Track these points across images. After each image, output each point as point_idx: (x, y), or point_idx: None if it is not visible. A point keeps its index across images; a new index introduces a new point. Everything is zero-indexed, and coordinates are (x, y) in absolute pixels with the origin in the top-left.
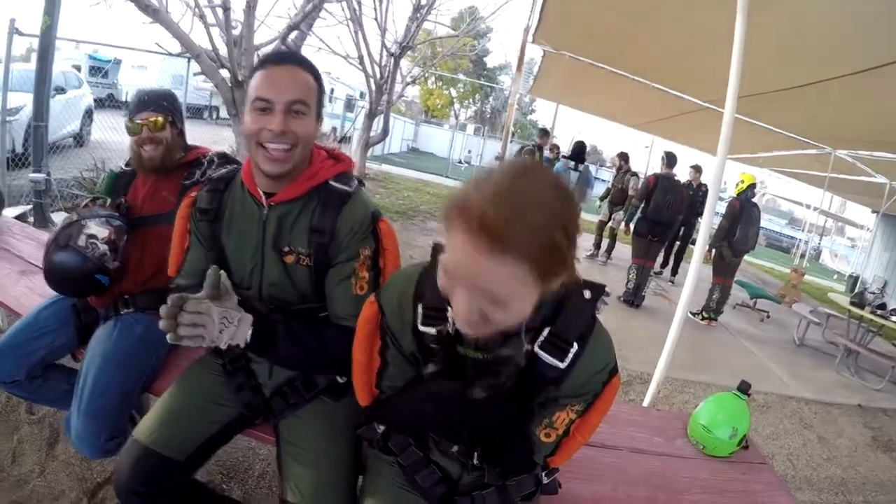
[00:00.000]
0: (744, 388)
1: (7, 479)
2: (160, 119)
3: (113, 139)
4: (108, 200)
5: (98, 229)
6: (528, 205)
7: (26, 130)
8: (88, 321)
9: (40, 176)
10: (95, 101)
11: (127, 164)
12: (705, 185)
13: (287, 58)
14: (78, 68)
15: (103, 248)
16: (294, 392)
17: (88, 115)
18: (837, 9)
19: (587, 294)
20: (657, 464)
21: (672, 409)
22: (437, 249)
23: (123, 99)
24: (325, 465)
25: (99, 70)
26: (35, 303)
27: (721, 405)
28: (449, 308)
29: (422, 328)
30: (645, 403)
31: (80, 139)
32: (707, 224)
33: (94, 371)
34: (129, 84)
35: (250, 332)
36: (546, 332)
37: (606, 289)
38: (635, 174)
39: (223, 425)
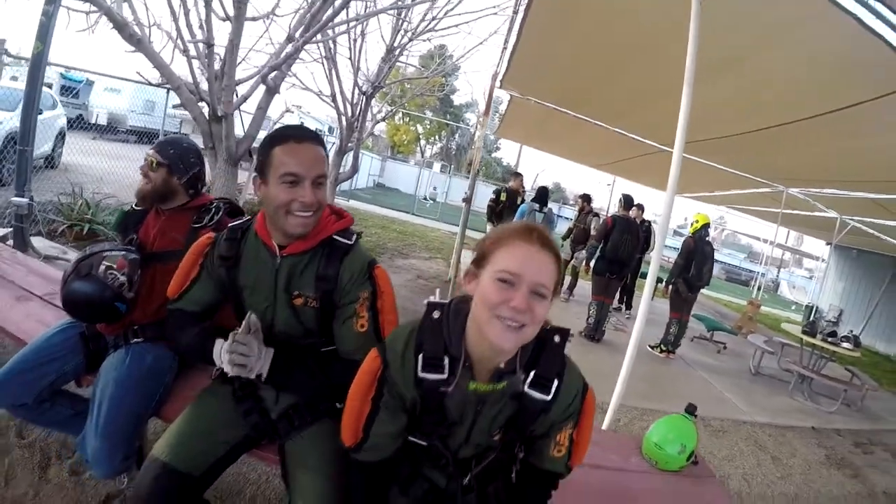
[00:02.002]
0: (690, 410)
1: (2, 501)
2: (154, 161)
3: (84, 162)
4: (85, 227)
5: (115, 261)
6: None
7: (2, 147)
8: (97, 348)
9: (23, 200)
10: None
11: (136, 204)
12: (648, 222)
13: (306, 135)
14: (49, 86)
15: (122, 278)
16: (298, 415)
17: (61, 136)
18: (778, 70)
19: (557, 338)
20: (614, 477)
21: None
22: (431, 307)
23: (94, 121)
24: (329, 476)
25: (70, 90)
26: (32, 328)
27: (671, 425)
28: (446, 357)
29: (422, 374)
30: (603, 427)
31: (51, 161)
32: (656, 260)
33: (108, 396)
34: (101, 106)
35: (268, 365)
36: (532, 374)
37: (571, 331)
38: (596, 215)
39: (232, 445)
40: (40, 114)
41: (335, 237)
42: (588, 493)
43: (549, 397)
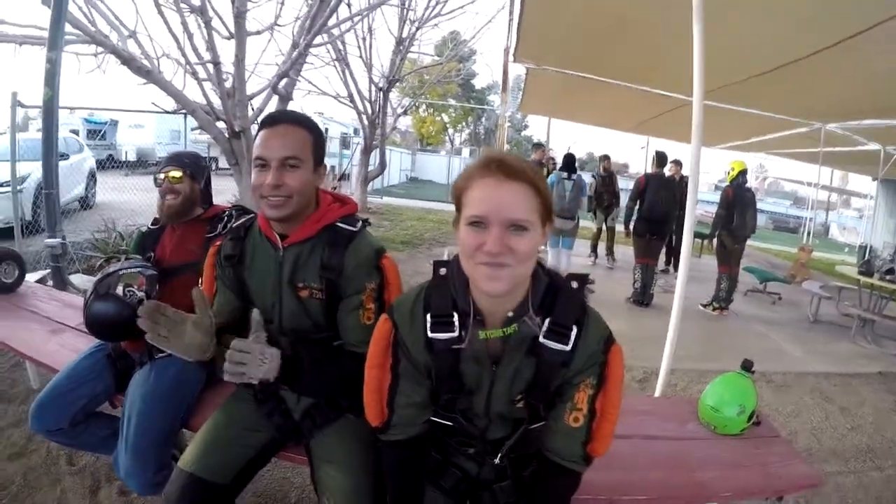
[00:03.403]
0: (747, 367)
1: None
2: (178, 173)
3: (118, 199)
4: (122, 258)
5: (134, 278)
6: (520, 159)
7: (35, 197)
8: (124, 368)
9: (55, 241)
10: (96, 162)
11: (153, 223)
12: (687, 178)
13: (279, 119)
14: (76, 132)
15: (141, 294)
16: (320, 413)
17: (92, 177)
18: None
19: (574, 284)
20: (670, 447)
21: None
22: (437, 265)
23: (123, 158)
24: (356, 473)
25: (96, 133)
26: (67, 358)
27: (726, 385)
28: (455, 313)
29: (432, 335)
30: (656, 394)
31: (85, 202)
32: (691, 214)
33: (136, 412)
34: (128, 143)
35: (278, 365)
36: (547, 322)
37: (590, 276)
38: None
39: (259, 449)
40: (66, 158)
41: (338, 224)
42: (641, 468)
43: (568, 347)
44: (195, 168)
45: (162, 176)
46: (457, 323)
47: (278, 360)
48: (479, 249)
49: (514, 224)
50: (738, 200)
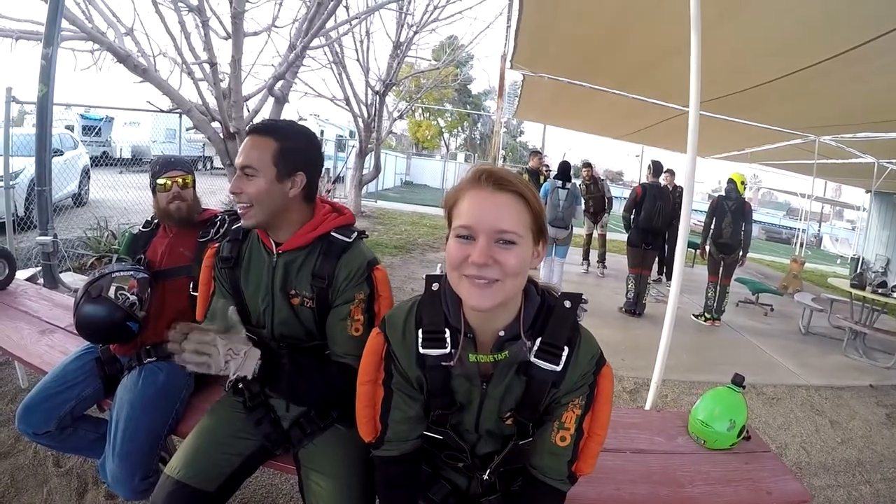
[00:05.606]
0: (738, 381)
1: None
2: (189, 177)
3: (112, 197)
4: (114, 258)
5: (126, 281)
6: (511, 172)
7: (27, 193)
8: (113, 372)
9: (47, 238)
10: (90, 159)
11: (145, 225)
12: (681, 188)
13: (252, 130)
14: (70, 128)
15: (133, 298)
16: (310, 422)
17: (86, 174)
18: (788, 8)
19: (567, 304)
20: (659, 462)
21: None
22: (430, 279)
23: (118, 156)
24: (345, 483)
25: (91, 129)
26: (57, 359)
27: (717, 399)
28: (447, 330)
29: (423, 350)
30: (647, 407)
31: (79, 199)
32: (685, 225)
33: (123, 417)
34: (124, 141)
35: (258, 364)
36: (538, 342)
37: (583, 296)
38: (602, 180)
39: (247, 457)
40: (61, 155)
41: (333, 234)
42: (629, 482)
43: (559, 368)
44: (193, 172)
45: (168, 181)
46: (448, 340)
47: (257, 359)
48: (464, 261)
49: (502, 236)
50: (717, 210)
